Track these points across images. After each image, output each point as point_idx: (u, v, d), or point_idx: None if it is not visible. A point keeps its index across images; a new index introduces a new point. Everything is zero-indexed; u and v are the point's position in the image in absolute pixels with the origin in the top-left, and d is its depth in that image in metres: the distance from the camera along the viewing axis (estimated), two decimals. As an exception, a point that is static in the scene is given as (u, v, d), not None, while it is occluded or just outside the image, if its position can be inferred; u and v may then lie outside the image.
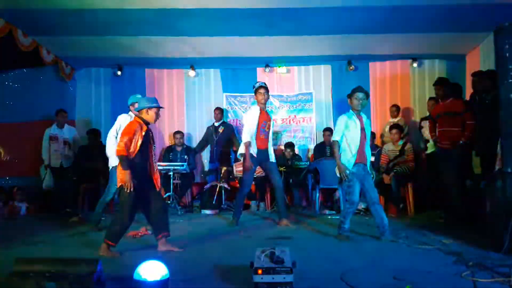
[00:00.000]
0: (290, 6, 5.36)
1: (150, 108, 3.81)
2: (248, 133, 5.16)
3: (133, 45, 6.68)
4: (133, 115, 4.85)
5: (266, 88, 5.32)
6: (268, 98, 5.41)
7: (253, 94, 5.44)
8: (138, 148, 3.69)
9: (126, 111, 5.20)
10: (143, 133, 3.73)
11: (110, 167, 5.00)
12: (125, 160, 3.63)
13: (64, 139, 6.89)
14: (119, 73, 7.80)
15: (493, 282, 2.67)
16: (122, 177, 3.65)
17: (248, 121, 5.26)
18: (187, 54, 7.26)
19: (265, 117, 5.32)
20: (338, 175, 4.40)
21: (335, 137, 4.36)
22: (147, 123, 3.83)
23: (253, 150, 5.17)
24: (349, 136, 4.31)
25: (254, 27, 6.03)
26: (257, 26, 5.99)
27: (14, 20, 5.53)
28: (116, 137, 4.84)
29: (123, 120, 4.92)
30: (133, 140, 3.67)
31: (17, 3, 5.07)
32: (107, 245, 3.64)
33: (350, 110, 4.43)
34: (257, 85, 5.34)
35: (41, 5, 5.16)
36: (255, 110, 5.29)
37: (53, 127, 6.89)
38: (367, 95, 4.36)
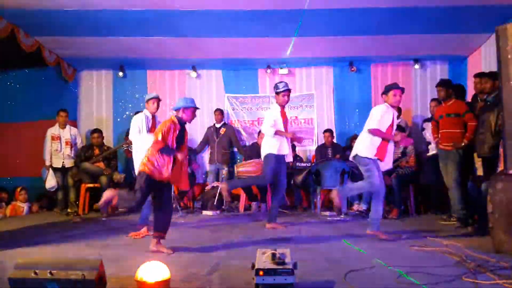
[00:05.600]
0: (292, 7, 5.36)
1: (186, 108, 3.90)
2: (270, 127, 4.95)
3: (135, 46, 6.69)
4: (149, 112, 4.95)
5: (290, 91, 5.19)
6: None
7: (274, 94, 5.23)
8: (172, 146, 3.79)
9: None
10: (177, 132, 3.83)
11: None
12: (165, 148, 3.72)
13: (65, 139, 6.89)
14: (121, 74, 7.82)
15: (495, 284, 2.66)
16: (141, 165, 3.74)
17: (271, 117, 5.02)
18: (189, 55, 7.28)
19: (285, 115, 5.20)
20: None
21: (373, 125, 4.14)
22: (182, 123, 3.92)
23: (284, 150, 5.03)
24: (381, 127, 4.16)
25: (256, 28, 6.04)
26: (259, 27, 6.00)
27: (16, 20, 5.55)
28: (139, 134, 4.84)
29: (139, 119, 4.90)
30: (168, 138, 3.76)
31: (19, 3, 5.08)
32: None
33: (386, 103, 4.27)
34: (284, 87, 5.06)
35: (43, 6, 5.16)
36: (276, 109, 5.12)
37: (55, 127, 6.90)
38: (403, 91, 4.29)
